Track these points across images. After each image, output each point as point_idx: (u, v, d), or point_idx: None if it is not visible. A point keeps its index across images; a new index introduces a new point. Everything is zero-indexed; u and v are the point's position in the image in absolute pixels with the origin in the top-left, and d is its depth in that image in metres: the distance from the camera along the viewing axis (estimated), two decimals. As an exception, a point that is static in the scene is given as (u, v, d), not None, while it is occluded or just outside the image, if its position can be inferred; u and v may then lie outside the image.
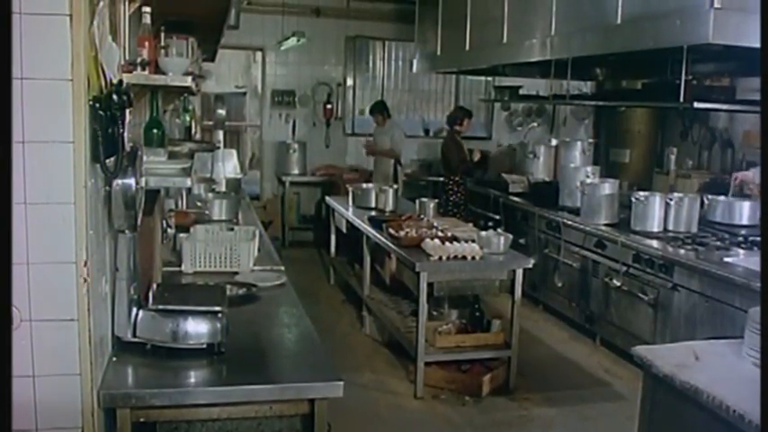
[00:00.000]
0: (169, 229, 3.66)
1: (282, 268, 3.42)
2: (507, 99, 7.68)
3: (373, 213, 5.78)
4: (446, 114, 8.17)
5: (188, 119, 5.08)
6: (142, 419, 2.02)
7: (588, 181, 5.69)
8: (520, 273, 4.41)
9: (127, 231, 2.11)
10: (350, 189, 6.33)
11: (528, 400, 4.39)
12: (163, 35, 2.85)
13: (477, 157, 7.19)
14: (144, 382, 2.12)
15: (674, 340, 3.89)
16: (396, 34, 8.97)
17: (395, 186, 6.42)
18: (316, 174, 8.67)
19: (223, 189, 5.18)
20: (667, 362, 2.27)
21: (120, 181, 1.98)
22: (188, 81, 2.50)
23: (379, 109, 7.97)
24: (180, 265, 3.31)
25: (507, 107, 9.09)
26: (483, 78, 8.86)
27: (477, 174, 7.47)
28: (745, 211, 5.17)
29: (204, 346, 2.24)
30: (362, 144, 8.31)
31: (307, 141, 8.88)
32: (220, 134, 7.39)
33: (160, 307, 2.28)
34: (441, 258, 4.27)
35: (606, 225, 5.32)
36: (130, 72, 2.33)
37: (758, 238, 4.57)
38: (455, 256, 4.29)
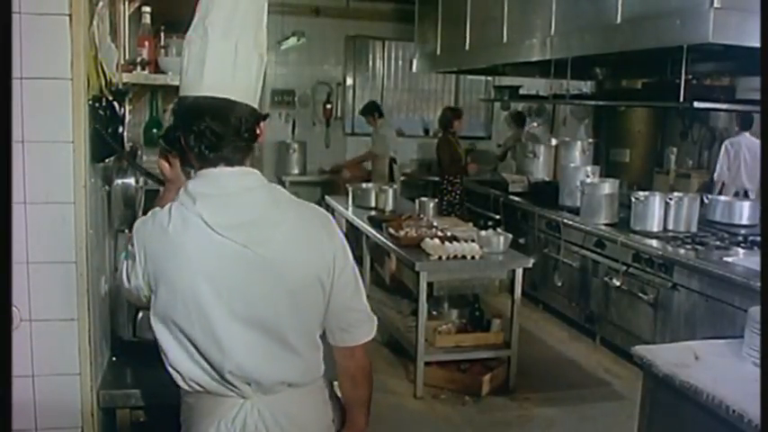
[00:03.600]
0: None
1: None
2: (507, 99, 7.68)
3: (373, 213, 5.78)
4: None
5: (188, 118, 5.07)
6: (142, 419, 2.02)
7: (588, 181, 5.70)
8: (520, 272, 4.41)
9: (127, 231, 2.11)
10: (349, 189, 6.33)
11: (528, 399, 4.39)
12: (163, 35, 2.85)
13: (472, 169, 7.20)
14: (144, 381, 2.12)
15: (674, 340, 3.89)
16: (396, 34, 8.97)
17: (394, 186, 6.42)
18: (334, 172, 8.55)
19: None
20: (667, 362, 2.27)
21: (120, 181, 1.98)
22: (188, 81, 2.50)
23: (371, 110, 7.95)
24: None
25: (507, 107, 9.10)
26: (483, 78, 8.86)
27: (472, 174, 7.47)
28: (744, 211, 5.18)
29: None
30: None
31: (307, 141, 8.88)
32: (220, 134, 7.37)
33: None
34: (440, 258, 4.27)
35: (606, 225, 5.32)
36: (130, 72, 2.33)
37: (758, 238, 4.57)
38: (455, 256, 4.29)
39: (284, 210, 1.63)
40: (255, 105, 1.62)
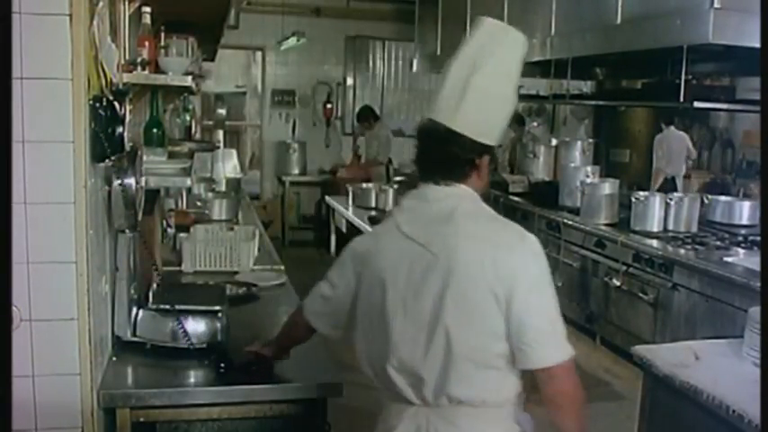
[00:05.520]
0: (169, 229, 3.66)
1: (282, 268, 3.42)
2: (507, 99, 7.66)
3: (373, 213, 5.78)
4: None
5: (188, 118, 5.08)
6: (142, 419, 2.02)
7: (588, 181, 5.69)
8: (520, 272, 4.39)
9: (127, 231, 2.12)
10: (350, 189, 6.33)
11: (528, 400, 4.38)
12: (163, 35, 2.85)
13: None
14: (144, 381, 2.12)
15: (674, 340, 3.89)
16: (396, 34, 8.97)
17: (395, 186, 6.42)
18: (334, 172, 8.51)
19: (223, 189, 5.18)
20: (667, 362, 2.27)
21: (120, 181, 1.98)
22: (188, 80, 2.50)
23: (366, 115, 7.94)
24: (180, 265, 3.31)
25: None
26: (483, 78, 8.84)
27: None
28: (745, 211, 5.17)
29: (204, 345, 2.24)
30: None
31: (307, 141, 8.89)
32: (220, 134, 7.39)
33: (160, 306, 2.28)
34: (441, 258, 4.26)
35: (606, 225, 5.32)
36: (130, 72, 2.33)
37: (758, 238, 4.57)
38: (455, 256, 4.28)
39: (473, 221, 1.67)
40: (483, 140, 1.68)
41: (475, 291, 1.61)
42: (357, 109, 8.70)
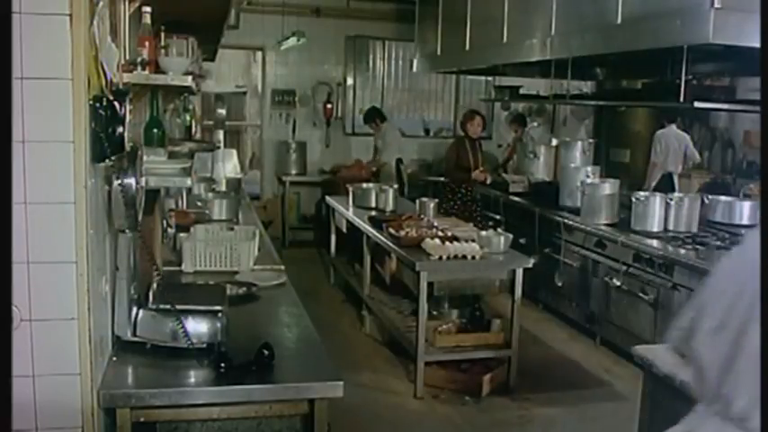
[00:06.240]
0: (169, 229, 3.66)
1: (282, 268, 3.42)
2: (507, 99, 7.67)
3: (373, 213, 5.78)
4: (446, 114, 8.16)
5: (188, 118, 5.09)
6: (142, 419, 2.02)
7: (588, 181, 5.70)
8: (520, 272, 4.41)
9: (127, 231, 2.11)
10: (350, 189, 6.33)
11: (528, 400, 4.39)
12: (163, 35, 2.85)
13: (480, 177, 7.13)
14: (144, 381, 2.12)
15: (674, 340, 3.88)
16: (396, 34, 8.97)
17: (395, 186, 6.42)
18: (335, 172, 8.50)
19: (223, 189, 5.19)
20: (667, 362, 2.27)
21: (120, 181, 1.98)
22: (188, 80, 2.50)
23: (372, 116, 7.97)
24: (180, 265, 3.31)
25: (507, 107, 9.10)
26: (483, 78, 8.86)
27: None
28: (745, 211, 5.18)
29: (204, 345, 2.24)
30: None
31: (307, 141, 8.88)
32: (220, 134, 7.38)
33: (160, 306, 2.28)
34: (441, 258, 4.27)
35: (606, 225, 5.32)
36: (130, 72, 2.33)
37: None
38: (455, 256, 4.29)
39: None
40: None
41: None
42: (357, 109, 8.70)
